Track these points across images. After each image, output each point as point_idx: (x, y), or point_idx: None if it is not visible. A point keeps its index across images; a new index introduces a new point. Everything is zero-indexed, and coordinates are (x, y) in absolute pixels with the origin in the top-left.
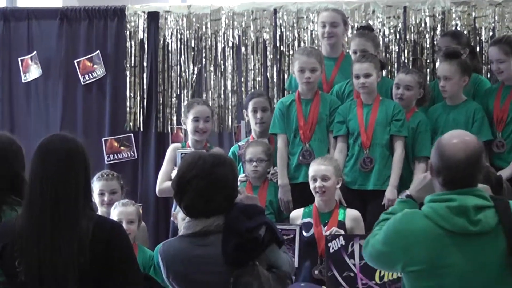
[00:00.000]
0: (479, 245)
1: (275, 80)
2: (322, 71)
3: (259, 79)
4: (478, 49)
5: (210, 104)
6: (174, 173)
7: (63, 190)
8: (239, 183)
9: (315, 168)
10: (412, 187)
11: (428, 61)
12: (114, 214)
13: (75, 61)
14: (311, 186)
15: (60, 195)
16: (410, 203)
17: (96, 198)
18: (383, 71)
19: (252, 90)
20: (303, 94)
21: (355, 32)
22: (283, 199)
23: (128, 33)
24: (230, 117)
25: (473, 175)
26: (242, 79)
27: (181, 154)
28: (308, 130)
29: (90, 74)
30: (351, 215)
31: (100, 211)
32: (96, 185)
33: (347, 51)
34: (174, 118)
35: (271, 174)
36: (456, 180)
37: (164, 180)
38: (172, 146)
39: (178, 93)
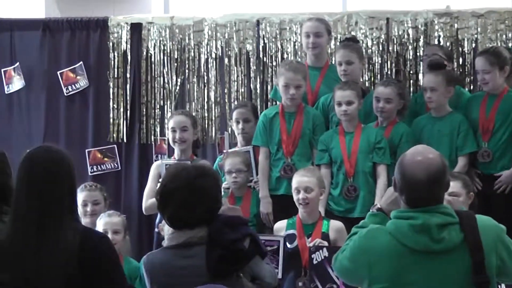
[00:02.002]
0: (442, 263)
1: (258, 91)
2: (306, 86)
3: (243, 90)
4: (461, 60)
5: (194, 115)
6: None
7: (49, 201)
8: (222, 192)
9: (298, 179)
10: (383, 200)
11: (411, 72)
12: (100, 225)
13: (58, 72)
14: (295, 197)
15: (45, 206)
16: (380, 216)
17: (79, 208)
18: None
19: (236, 102)
20: (286, 107)
21: (339, 43)
22: (263, 211)
23: (111, 44)
24: (213, 128)
25: (436, 194)
26: (226, 90)
27: (166, 165)
28: (290, 144)
29: (73, 85)
30: (335, 226)
31: (83, 221)
32: (80, 196)
33: (332, 60)
34: (158, 129)
35: (254, 182)
36: (418, 199)
37: (149, 197)
38: (156, 163)
39: (162, 104)
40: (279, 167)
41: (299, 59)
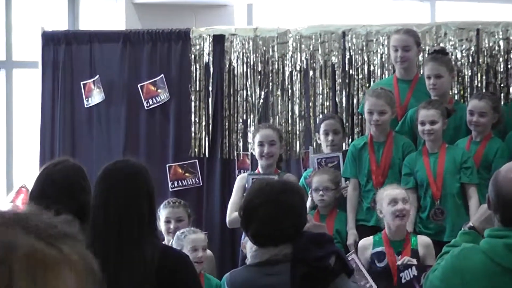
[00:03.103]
0: None
1: (343, 104)
2: (393, 113)
3: (328, 103)
4: None
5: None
6: None
7: (127, 216)
8: (308, 210)
9: (391, 192)
10: (475, 218)
11: (502, 85)
12: (186, 243)
13: (139, 85)
14: (392, 209)
15: (123, 222)
16: (473, 235)
17: (162, 226)
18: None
19: (320, 115)
20: (375, 136)
21: (427, 56)
22: (347, 243)
23: (193, 56)
24: (297, 142)
25: None
26: (310, 104)
27: (252, 179)
28: (380, 175)
29: (154, 99)
30: (423, 241)
31: (166, 239)
32: (163, 213)
33: (421, 72)
34: (240, 144)
35: (343, 188)
36: None
37: (233, 211)
38: (241, 176)
39: (244, 118)
40: (369, 199)
41: (387, 72)
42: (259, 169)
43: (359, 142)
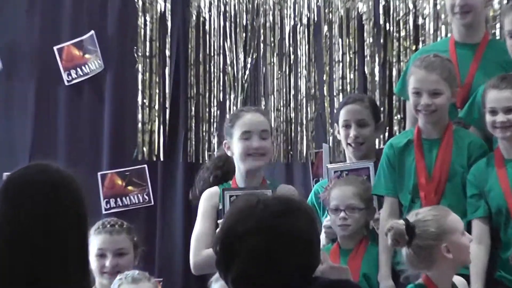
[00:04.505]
0: None
1: (376, 78)
2: (454, 95)
3: (352, 76)
4: None
5: (273, 116)
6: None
7: (45, 253)
8: (322, 244)
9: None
10: None
11: None
12: None
13: (55, 48)
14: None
15: (39, 261)
16: None
17: (93, 262)
18: None
19: (341, 94)
20: (425, 131)
21: (507, 3)
22: None
23: (140, 3)
24: (304, 137)
25: None
26: (324, 77)
27: (231, 196)
28: (433, 191)
29: (79, 69)
30: (461, 283)
31: (98, 282)
32: (94, 242)
33: (495, 32)
34: (215, 140)
35: (374, 220)
36: None
37: (202, 247)
38: (207, 193)
39: (221, 98)
40: None
41: (443, 27)
42: (237, 179)
43: (399, 141)
